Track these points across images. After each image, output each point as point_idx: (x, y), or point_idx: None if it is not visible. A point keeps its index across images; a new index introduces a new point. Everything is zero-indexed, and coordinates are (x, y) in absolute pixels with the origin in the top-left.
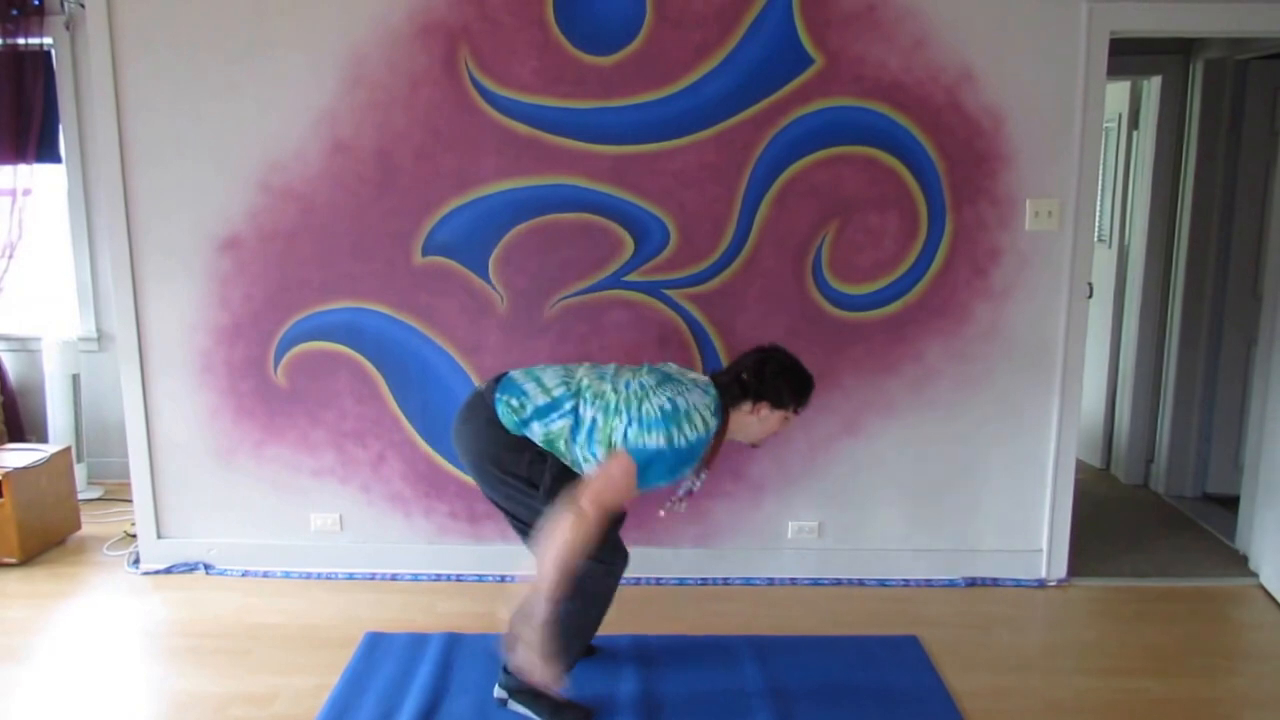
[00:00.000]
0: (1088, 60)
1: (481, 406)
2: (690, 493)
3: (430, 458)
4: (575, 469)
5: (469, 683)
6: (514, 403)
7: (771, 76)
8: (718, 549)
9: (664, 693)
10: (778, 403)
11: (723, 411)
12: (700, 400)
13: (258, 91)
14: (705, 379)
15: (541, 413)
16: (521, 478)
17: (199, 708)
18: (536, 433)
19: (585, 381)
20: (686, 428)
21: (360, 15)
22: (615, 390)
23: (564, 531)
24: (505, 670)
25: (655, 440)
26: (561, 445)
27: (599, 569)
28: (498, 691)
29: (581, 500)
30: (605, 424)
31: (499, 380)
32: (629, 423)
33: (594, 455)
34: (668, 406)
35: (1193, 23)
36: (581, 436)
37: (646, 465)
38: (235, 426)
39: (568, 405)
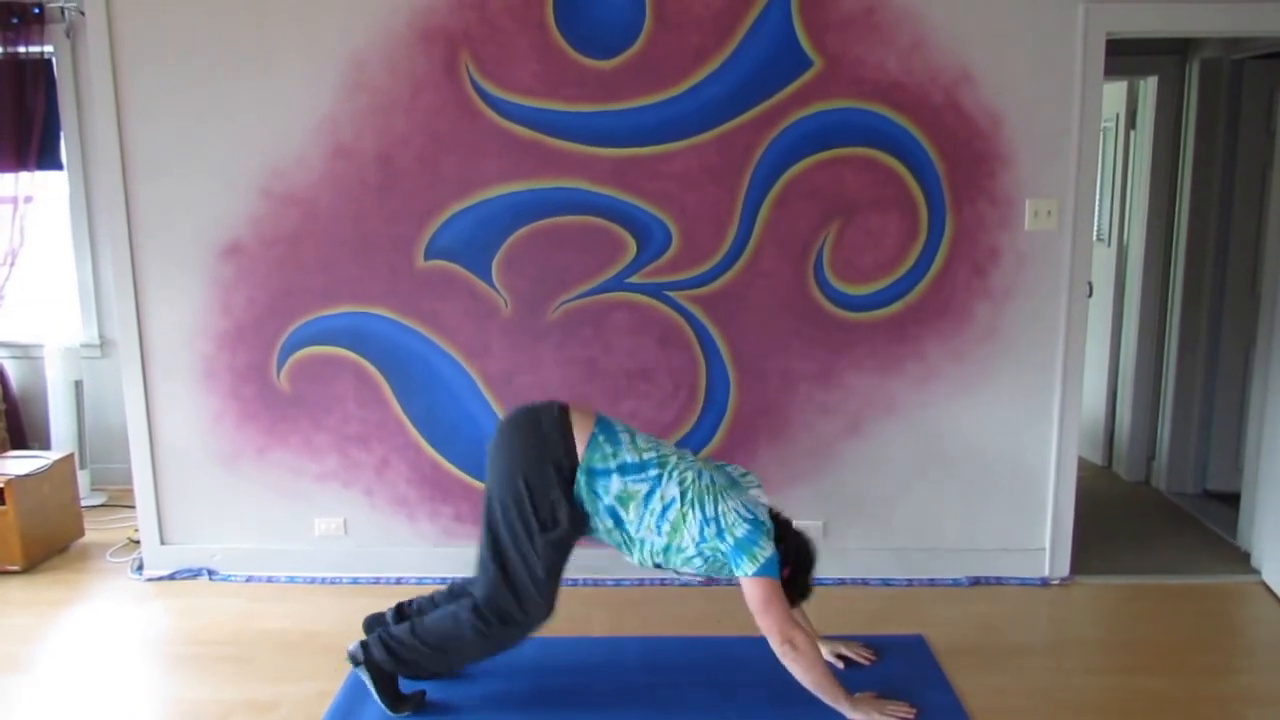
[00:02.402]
0: (1085, 61)
1: (546, 424)
2: None
3: (435, 461)
4: (613, 538)
5: (473, 687)
6: (608, 448)
7: (771, 79)
8: None
9: (668, 694)
10: (788, 561)
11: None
12: (766, 519)
13: (259, 97)
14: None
15: (627, 470)
16: (542, 509)
17: (201, 715)
18: (613, 487)
19: (673, 459)
20: (768, 539)
21: (361, 20)
22: (697, 478)
23: (802, 670)
24: (374, 641)
25: (767, 549)
26: (631, 507)
27: (507, 632)
28: (352, 647)
29: (784, 636)
30: (680, 509)
31: (563, 409)
32: (705, 521)
33: (658, 529)
34: (749, 516)
35: (1188, 23)
36: (653, 506)
37: (775, 572)
38: (238, 431)
39: (653, 473)
